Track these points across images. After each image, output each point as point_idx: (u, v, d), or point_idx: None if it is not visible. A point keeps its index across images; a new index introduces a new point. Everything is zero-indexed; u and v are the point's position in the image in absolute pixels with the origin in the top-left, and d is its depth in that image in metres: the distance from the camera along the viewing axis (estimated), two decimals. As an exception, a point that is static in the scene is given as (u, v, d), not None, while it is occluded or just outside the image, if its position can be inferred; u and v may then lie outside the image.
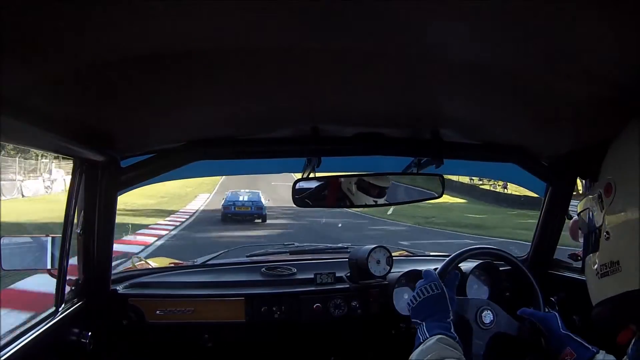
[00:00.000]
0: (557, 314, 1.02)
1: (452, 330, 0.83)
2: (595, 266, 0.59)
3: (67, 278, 0.93)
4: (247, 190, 11.47)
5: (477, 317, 1.03)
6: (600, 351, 0.87)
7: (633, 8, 0.43)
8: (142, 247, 6.89)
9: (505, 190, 19.20)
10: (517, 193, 17.25)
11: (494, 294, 1.24)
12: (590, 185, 0.65)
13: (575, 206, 0.75)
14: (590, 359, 0.88)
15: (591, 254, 0.60)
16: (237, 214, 10.38)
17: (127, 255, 2.94)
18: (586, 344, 0.91)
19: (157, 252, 6.54)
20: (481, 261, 1.25)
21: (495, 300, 1.10)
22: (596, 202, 0.59)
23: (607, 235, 0.56)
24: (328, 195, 1.15)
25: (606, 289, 0.57)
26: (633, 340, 0.58)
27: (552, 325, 1.01)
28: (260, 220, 10.58)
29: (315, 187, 1.14)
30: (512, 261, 1.12)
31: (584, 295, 0.63)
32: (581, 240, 0.72)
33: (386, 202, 1.19)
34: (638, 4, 0.42)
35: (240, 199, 10.74)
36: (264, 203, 10.79)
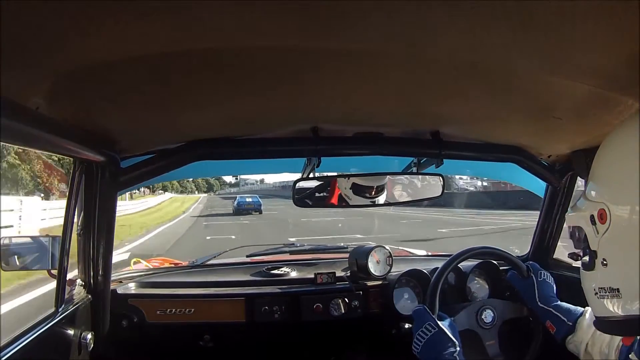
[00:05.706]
0: (535, 281, 1.02)
1: None
2: (594, 286, 0.59)
3: (67, 278, 0.93)
4: (250, 195, 21.74)
5: (479, 320, 1.03)
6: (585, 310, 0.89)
7: (631, 8, 0.43)
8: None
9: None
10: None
11: (494, 292, 1.24)
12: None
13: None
14: (567, 333, 0.90)
15: (587, 272, 0.60)
16: (245, 209, 17.86)
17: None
18: (563, 317, 0.93)
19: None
20: (480, 260, 1.25)
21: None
22: (589, 224, 0.58)
23: (604, 262, 0.56)
24: (328, 195, 1.15)
25: (606, 310, 0.57)
26: (638, 340, 0.59)
27: (528, 297, 1.02)
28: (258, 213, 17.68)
29: (315, 187, 1.14)
30: (505, 256, 1.12)
31: (584, 295, 0.64)
32: None
33: (386, 202, 1.19)
34: (636, 4, 0.42)
35: (247, 200, 19.01)
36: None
